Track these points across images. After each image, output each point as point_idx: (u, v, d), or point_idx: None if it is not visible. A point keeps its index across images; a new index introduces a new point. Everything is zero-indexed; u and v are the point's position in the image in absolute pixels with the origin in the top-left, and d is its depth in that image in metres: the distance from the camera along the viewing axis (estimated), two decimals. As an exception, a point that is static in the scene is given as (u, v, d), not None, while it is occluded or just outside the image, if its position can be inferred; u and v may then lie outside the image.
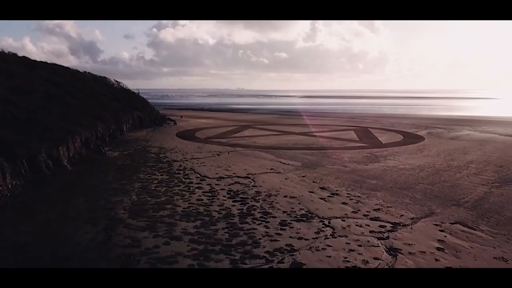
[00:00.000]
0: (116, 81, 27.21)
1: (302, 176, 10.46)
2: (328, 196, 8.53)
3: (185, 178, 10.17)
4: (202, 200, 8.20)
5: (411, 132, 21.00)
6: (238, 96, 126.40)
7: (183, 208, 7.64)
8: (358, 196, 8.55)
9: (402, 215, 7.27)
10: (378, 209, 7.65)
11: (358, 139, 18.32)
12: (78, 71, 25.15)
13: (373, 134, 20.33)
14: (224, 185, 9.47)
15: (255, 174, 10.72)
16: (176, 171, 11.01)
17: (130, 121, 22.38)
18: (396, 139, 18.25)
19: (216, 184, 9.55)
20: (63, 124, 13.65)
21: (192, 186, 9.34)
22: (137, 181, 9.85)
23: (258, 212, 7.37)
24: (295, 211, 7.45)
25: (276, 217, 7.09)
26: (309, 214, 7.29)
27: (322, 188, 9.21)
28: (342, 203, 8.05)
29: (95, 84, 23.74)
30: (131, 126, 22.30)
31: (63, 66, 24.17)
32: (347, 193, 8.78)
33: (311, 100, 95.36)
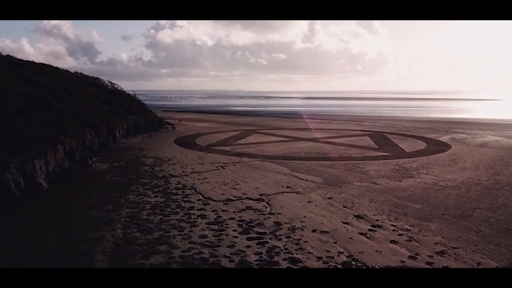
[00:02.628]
0: (110, 82, 25.30)
1: (328, 198, 8.55)
2: (369, 230, 6.63)
3: (184, 201, 8.26)
4: (207, 237, 6.28)
5: (432, 138, 19.14)
6: (238, 98, 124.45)
7: (182, 251, 5.72)
8: (408, 230, 6.64)
9: (479, 263, 5.36)
10: (442, 251, 5.74)
11: (378, 147, 16.43)
12: (69, 71, 23.24)
13: (392, 140, 18.45)
14: (234, 212, 7.56)
15: (269, 195, 8.81)
16: (174, 191, 9.10)
17: (124, 126, 20.45)
18: (419, 147, 16.36)
19: (223, 211, 7.63)
20: (43, 132, 11.74)
21: (194, 214, 7.43)
22: (126, 206, 7.93)
23: (283, 259, 5.46)
24: (332, 257, 5.54)
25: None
26: (353, 262, 5.37)
27: (358, 217, 7.30)
28: (391, 241, 6.14)
29: (86, 85, 21.82)
30: (125, 132, 20.38)
31: (51, 66, 22.26)
32: (392, 225, 6.87)
33: (313, 101, 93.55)
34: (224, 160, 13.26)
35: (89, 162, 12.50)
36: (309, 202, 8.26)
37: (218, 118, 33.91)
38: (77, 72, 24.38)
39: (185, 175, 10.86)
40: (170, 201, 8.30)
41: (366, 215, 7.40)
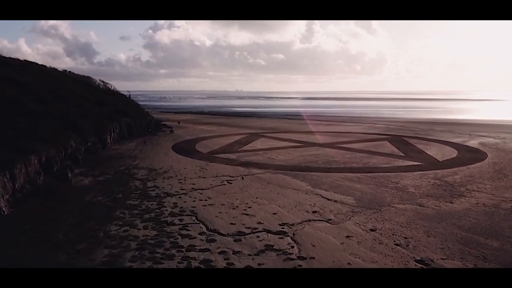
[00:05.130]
0: (103, 82, 23.27)
1: (371, 230, 6.53)
2: None
3: (182, 236, 6.24)
4: (216, 305, 4.27)
5: (459, 143, 17.14)
6: (238, 98, 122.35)
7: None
8: None
9: None
10: None
11: (403, 154, 14.42)
12: (56, 69, 21.22)
13: (415, 146, 16.45)
14: (249, 255, 5.54)
15: (293, 224, 6.79)
16: (169, 218, 7.08)
17: (117, 130, 18.43)
18: (451, 154, 14.36)
19: (234, 253, 5.61)
20: (13, 139, 9.76)
21: (195, 259, 5.40)
22: (104, 245, 5.91)
23: None
24: None
25: None
26: None
27: (423, 263, 5.28)
28: (490, 313, 4.14)
29: (75, 85, 19.79)
30: (118, 136, 18.35)
31: (37, 64, 20.23)
32: (477, 279, 4.86)
33: (315, 102, 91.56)
34: (230, 171, 11.25)
35: (69, 175, 10.48)
36: (348, 237, 6.24)
37: (219, 120, 31.91)
38: (65, 71, 22.35)
39: (183, 193, 8.84)
40: (163, 235, 6.28)
41: (432, 260, 5.39)
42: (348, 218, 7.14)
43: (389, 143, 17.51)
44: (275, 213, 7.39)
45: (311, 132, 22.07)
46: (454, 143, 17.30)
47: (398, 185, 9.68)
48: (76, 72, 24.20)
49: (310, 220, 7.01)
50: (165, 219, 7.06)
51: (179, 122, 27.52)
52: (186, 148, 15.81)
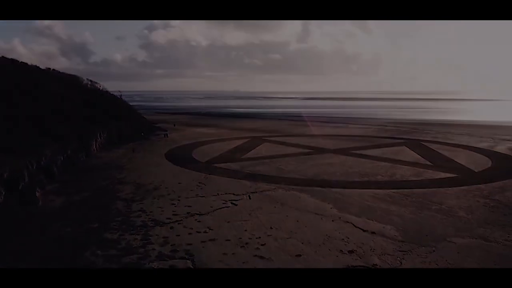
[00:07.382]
0: (91, 81, 21.30)
1: None
2: None
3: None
4: None
5: (487, 149, 15.34)
6: (236, 98, 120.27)
7: None
8: None
9: None
10: None
11: (430, 163, 12.58)
12: (38, 67, 19.23)
13: (439, 152, 14.63)
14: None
15: (327, 275, 4.93)
16: (156, 265, 5.19)
17: (104, 134, 16.49)
18: (485, 163, 12.54)
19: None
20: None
21: None
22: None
23: None
24: None
25: None
26: None
27: None
28: None
29: (57, 85, 17.81)
30: (106, 142, 16.41)
31: (16, 61, 18.25)
32: None
33: (316, 102, 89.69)
34: (234, 187, 9.38)
35: (37, 194, 8.56)
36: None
37: (218, 121, 29.98)
38: (49, 69, 20.38)
39: (177, 221, 6.96)
40: (146, 296, 4.40)
41: None
42: (399, 263, 5.27)
43: (408, 148, 15.69)
44: (299, 255, 5.51)
45: (318, 136, 20.20)
46: (481, 148, 15.52)
47: (443, 206, 7.84)
48: (72, 73, 22.30)
49: (349, 268, 5.14)
50: (150, 265, 5.18)
51: (174, 125, 25.59)
52: (182, 156, 13.92)
